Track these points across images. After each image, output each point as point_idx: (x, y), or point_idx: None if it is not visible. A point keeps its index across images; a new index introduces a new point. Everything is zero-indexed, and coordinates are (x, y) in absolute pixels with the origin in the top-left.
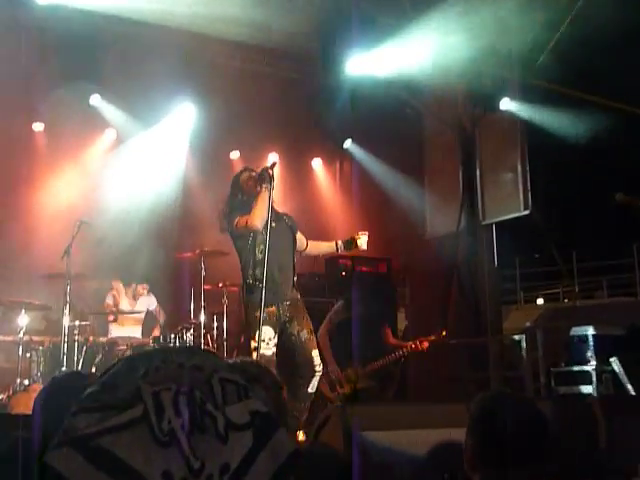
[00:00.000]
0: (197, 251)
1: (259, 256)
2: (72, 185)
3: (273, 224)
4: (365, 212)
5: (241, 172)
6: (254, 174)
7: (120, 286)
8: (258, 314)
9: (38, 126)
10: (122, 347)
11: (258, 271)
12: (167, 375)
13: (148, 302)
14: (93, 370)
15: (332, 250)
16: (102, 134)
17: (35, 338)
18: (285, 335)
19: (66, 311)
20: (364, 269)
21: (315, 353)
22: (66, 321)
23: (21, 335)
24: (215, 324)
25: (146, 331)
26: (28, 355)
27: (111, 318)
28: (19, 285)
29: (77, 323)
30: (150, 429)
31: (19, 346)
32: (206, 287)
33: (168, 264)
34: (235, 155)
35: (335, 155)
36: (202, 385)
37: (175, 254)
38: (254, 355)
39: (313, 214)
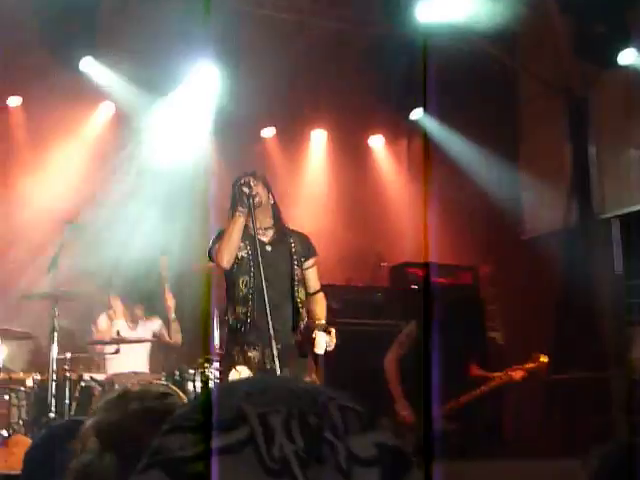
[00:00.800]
0: None
1: (243, 290)
2: (58, 176)
3: (268, 248)
4: (442, 206)
5: (235, 181)
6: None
7: (119, 305)
8: (235, 353)
9: (14, 100)
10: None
11: (240, 309)
12: (275, 397)
13: (152, 325)
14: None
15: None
16: (96, 109)
17: (14, 376)
18: None
19: (54, 340)
20: (443, 280)
21: None
22: (54, 353)
23: None
24: None
25: (154, 364)
26: (6, 397)
27: (112, 349)
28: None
29: (68, 355)
30: (258, 455)
31: None
32: None
33: (184, 277)
34: (269, 132)
35: (401, 130)
36: (318, 410)
37: (193, 264)
38: None
39: (372, 209)
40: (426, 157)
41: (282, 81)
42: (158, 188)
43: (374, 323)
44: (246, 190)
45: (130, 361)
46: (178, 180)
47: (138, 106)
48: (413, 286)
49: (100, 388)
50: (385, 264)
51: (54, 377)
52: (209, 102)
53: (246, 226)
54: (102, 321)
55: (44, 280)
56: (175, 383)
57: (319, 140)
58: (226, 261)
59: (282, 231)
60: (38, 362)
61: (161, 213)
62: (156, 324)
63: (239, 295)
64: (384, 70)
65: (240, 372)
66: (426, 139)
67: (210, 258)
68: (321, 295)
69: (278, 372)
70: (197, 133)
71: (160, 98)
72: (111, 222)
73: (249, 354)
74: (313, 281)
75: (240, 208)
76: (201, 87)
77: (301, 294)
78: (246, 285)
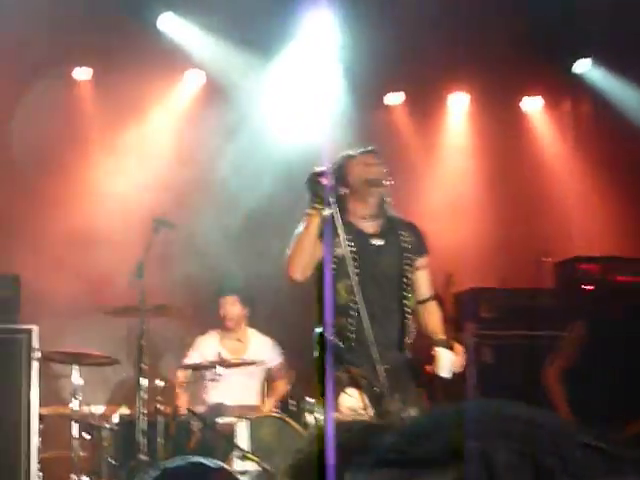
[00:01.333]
0: None
1: (344, 297)
2: (139, 162)
3: (378, 242)
4: (621, 183)
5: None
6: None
7: (236, 302)
8: (338, 374)
9: (82, 72)
10: (230, 421)
11: (340, 321)
12: (495, 429)
13: (265, 348)
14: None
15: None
16: (182, 78)
17: (95, 410)
18: (378, 413)
19: (142, 366)
20: (625, 279)
21: None
22: (143, 381)
23: (75, 406)
24: None
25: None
26: (87, 437)
27: (216, 373)
28: (65, 327)
29: (160, 383)
30: None
31: (71, 423)
32: None
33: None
34: (396, 99)
35: (563, 88)
36: (552, 449)
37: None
38: None
39: (528, 190)
40: (596, 122)
41: (412, 35)
42: (266, 173)
43: (536, 335)
44: (323, 181)
45: (235, 390)
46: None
47: (234, 73)
48: (586, 286)
49: (200, 424)
50: (549, 259)
51: (144, 411)
52: (323, 62)
53: (347, 215)
54: (204, 341)
55: (128, 292)
56: (291, 415)
57: (458, 106)
58: (299, 273)
59: (389, 220)
60: (123, 393)
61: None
62: (273, 349)
63: (338, 303)
64: (538, 14)
65: (352, 396)
66: (597, 99)
67: None
68: (434, 304)
69: (388, 398)
70: (307, 104)
71: (264, 62)
72: (211, 220)
73: (355, 375)
74: (424, 286)
75: (315, 205)
76: (313, 44)
77: (411, 301)
78: (347, 291)
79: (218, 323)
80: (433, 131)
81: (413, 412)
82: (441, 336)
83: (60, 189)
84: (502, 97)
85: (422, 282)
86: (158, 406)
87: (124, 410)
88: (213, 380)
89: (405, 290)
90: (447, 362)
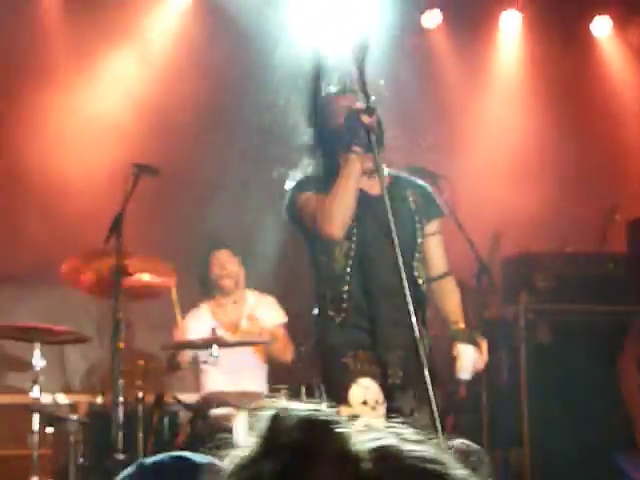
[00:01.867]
0: None
1: (341, 262)
2: (115, 92)
3: (376, 201)
4: None
5: (332, 95)
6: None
7: (232, 258)
8: (347, 360)
9: None
10: (227, 411)
11: (340, 294)
12: None
13: (268, 311)
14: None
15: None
16: None
17: (62, 399)
18: (387, 410)
19: (118, 345)
20: None
21: None
22: (117, 364)
23: (35, 393)
24: None
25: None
26: (50, 431)
27: (206, 357)
28: (28, 296)
29: (141, 365)
30: None
31: (31, 414)
32: None
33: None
34: (432, 19)
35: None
36: None
37: None
38: None
39: (595, 129)
40: None
41: None
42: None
43: (604, 310)
44: (366, 119)
45: (235, 377)
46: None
47: None
48: None
49: (191, 414)
50: (619, 218)
51: (121, 401)
52: None
53: None
54: (194, 314)
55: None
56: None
57: (511, 27)
58: (340, 229)
59: (394, 177)
60: (95, 379)
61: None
62: (279, 313)
63: (337, 274)
64: None
65: (368, 387)
66: None
67: (296, 221)
68: (452, 281)
69: (400, 393)
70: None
71: None
72: (202, 163)
73: (365, 359)
74: (437, 257)
75: (356, 148)
76: None
77: (422, 274)
78: (347, 255)
79: (211, 292)
80: (478, 57)
81: (425, 413)
82: (461, 325)
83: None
84: (563, 17)
85: (435, 252)
86: (139, 394)
87: (97, 399)
88: (206, 362)
89: (416, 260)
90: (469, 362)
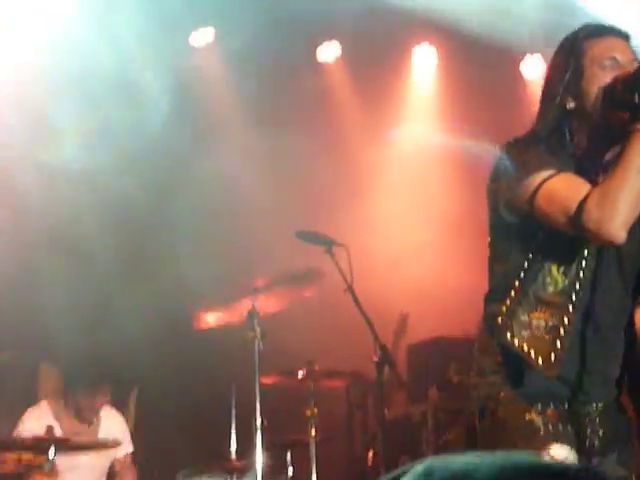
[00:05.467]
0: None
1: (549, 288)
2: None
3: None
4: None
5: (586, 38)
6: (619, 70)
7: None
8: (532, 417)
9: None
10: None
11: (537, 322)
12: None
13: (117, 428)
14: None
15: None
16: None
17: None
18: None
19: None
20: None
21: None
22: None
23: None
24: (290, 469)
25: None
26: None
27: (47, 457)
28: None
29: None
30: None
31: None
32: (265, 380)
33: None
34: (329, 52)
35: None
36: None
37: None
38: None
39: None
40: None
41: None
42: None
43: None
44: None
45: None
46: None
47: None
48: None
49: None
50: None
51: None
52: None
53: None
54: (29, 422)
55: None
56: None
57: (423, 61)
58: (625, 228)
59: None
60: None
61: None
62: (118, 422)
63: (543, 292)
64: None
65: (560, 455)
66: None
67: (517, 201)
68: None
69: (601, 458)
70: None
71: None
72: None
73: (559, 415)
74: None
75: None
76: None
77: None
78: (566, 274)
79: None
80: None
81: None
82: None
83: None
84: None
85: None
86: None
87: None
88: (40, 468)
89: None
90: None
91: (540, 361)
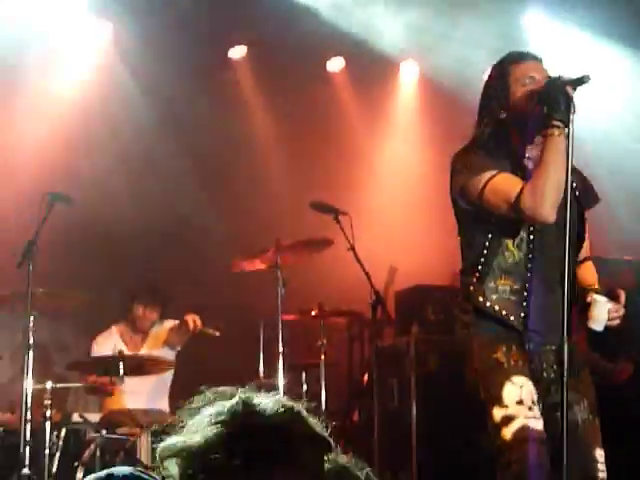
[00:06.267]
0: (269, 251)
1: (515, 255)
2: (31, 125)
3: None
4: None
5: (510, 63)
6: (535, 86)
7: (154, 309)
8: (498, 355)
9: None
10: (131, 431)
11: (503, 287)
12: None
13: (160, 332)
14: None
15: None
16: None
17: None
18: (544, 408)
19: (28, 364)
20: None
21: (600, 453)
22: (28, 384)
23: None
24: (305, 386)
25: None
26: None
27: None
28: None
29: (48, 386)
30: None
31: None
32: (286, 317)
33: (213, 277)
34: (335, 64)
35: None
36: None
37: (230, 259)
38: (506, 432)
39: None
40: None
41: None
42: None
43: None
44: (571, 91)
45: (138, 396)
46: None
47: None
48: None
49: (95, 434)
50: None
51: (29, 418)
52: None
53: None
54: (102, 343)
55: (13, 277)
56: None
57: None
58: (553, 210)
59: None
60: (5, 397)
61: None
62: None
63: (502, 266)
64: None
65: (522, 386)
66: None
67: (466, 194)
68: (592, 265)
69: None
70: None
71: None
72: (111, 197)
73: (520, 355)
74: (586, 243)
75: (560, 121)
76: None
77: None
78: (520, 247)
79: (122, 315)
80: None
81: (585, 414)
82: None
83: None
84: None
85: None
86: (46, 413)
87: (3, 416)
88: (113, 383)
89: (579, 250)
90: (604, 313)
91: (512, 318)
